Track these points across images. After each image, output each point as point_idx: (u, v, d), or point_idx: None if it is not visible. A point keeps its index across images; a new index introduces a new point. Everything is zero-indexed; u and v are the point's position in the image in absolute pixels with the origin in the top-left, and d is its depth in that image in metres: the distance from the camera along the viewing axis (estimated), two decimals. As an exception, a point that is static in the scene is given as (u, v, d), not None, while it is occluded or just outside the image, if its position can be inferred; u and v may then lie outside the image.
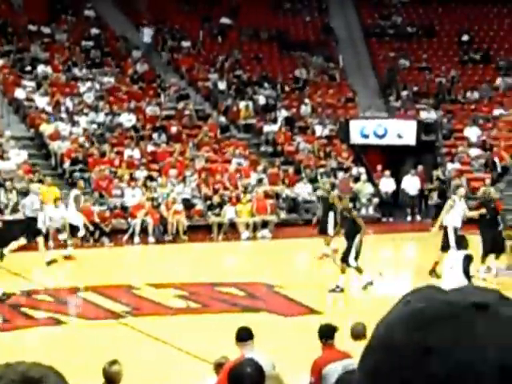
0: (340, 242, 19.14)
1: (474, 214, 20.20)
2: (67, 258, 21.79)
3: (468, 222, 20.53)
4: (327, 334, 8.95)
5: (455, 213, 19.21)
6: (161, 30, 37.35)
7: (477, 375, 1.05)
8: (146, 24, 36.78)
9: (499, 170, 30.78)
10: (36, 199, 21.97)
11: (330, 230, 21.63)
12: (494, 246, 19.24)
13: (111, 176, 27.34)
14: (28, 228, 21.47)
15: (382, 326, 1.16)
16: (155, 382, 11.51)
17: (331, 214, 21.61)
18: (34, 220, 21.49)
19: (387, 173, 30.22)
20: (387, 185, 30.00)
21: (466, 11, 40.61)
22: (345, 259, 17.84)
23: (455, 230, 18.97)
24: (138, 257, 24.28)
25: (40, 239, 21.16)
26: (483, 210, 19.91)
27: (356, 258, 17.78)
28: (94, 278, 18.75)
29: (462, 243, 15.33)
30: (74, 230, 23.02)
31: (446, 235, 19.03)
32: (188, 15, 38.71)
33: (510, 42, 39.06)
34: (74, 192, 24.11)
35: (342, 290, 17.79)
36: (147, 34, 36.07)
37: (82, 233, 23.40)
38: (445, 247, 18.55)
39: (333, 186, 27.31)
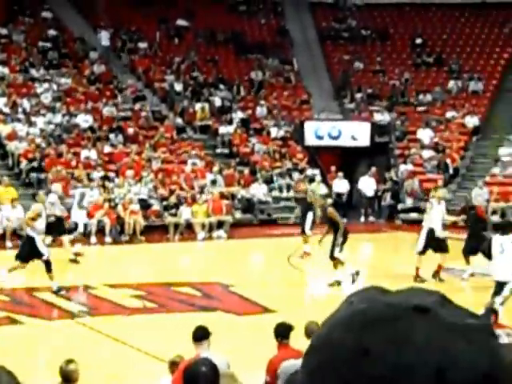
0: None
1: (454, 219, 20.06)
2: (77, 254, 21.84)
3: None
4: (283, 333, 8.99)
5: (433, 215, 19.04)
6: (118, 31, 37.23)
7: (412, 378, 1.07)
8: (104, 26, 36.65)
9: (451, 171, 31.10)
10: (55, 197, 22.03)
11: (307, 229, 21.89)
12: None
13: (68, 177, 27.19)
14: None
15: (325, 325, 1.16)
16: (112, 381, 11.49)
17: (310, 214, 21.90)
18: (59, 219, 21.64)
19: (340, 174, 30.40)
20: (340, 186, 30.16)
21: (420, 15, 40.94)
22: (332, 255, 18.03)
23: (431, 231, 18.87)
24: (95, 257, 24.15)
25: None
26: (463, 216, 19.97)
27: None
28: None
29: (506, 228, 15.33)
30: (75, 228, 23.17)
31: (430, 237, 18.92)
32: (145, 17, 38.59)
33: (462, 45, 39.44)
34: (79, 190, 24.60)
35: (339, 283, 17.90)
36: (105, 37, 35.94)
37: (80, 230, 23.64)
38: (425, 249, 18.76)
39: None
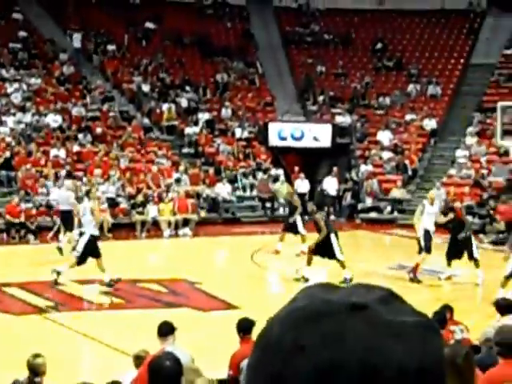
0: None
1: (443, 220, 19.49)
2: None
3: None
4: (245, 328, 9.05)
5: (426, 216, 18.85)
6: (87, 33, 37.08)
7: (343, 374, 1.07)
8: (74, 29, 36.46)
9: (409, 172, 31.33)
10: (72, 194, 23.10)
11: (301, 229, 21.98)
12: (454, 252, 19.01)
13: (37, 175, 27.08)
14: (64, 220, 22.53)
15: (267, 322, 1.17)
16: (78, 376, 11.49)
17: (299, 217, 22.06)
18: (69, 213, 22.27)
19: (302, 175, 30.51)
20: (302, 186, 30.23)
21: (380, 21, 41.15)
22: (334, 256, 17.99)
23: (427, 232, 18.76)
24: (64, 254, 24.03)
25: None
26: (451, 216, 19.52)
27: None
28: (20, 275, 18.58)
29: None
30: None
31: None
32: (113, 19, 38.48)
33: (421, 50, 39.70)
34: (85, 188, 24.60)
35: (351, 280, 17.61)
36: (76, 39, 35.75)
37: None
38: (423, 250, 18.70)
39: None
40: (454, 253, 18.78)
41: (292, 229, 22.34)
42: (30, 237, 24.41)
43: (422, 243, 18.75)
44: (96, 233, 18.08)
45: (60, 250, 21.29)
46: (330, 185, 30.29)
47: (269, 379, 1.11)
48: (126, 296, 17.07)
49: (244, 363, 8.56)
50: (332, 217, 30.09)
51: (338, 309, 1.12)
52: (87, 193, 20.03)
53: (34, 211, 25.29)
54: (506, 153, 30.06)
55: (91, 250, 17.68)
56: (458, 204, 19.80)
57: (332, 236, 18.10)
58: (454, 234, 18.93)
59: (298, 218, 22.31)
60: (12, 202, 24.92)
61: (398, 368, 1.09)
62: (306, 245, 22.09)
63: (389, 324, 1.12)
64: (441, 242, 19.97)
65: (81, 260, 17.62)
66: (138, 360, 8.45)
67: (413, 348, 1.11)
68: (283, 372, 1.10)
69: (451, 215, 19.41)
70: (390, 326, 1.11)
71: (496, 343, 7.04)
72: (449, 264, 18.89)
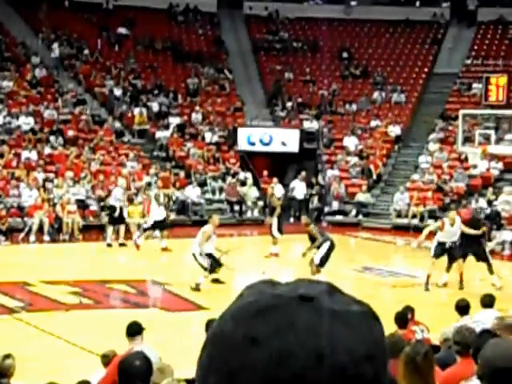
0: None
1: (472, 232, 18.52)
2: (164, 249, 23.00)
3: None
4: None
5: (444, 234, 18.23)
6: (59, 37, 36.87)
7: (295, 362, 1.10)
8: (50, 36, 36.26)
9: (374, 177, 31.47)
10: (121, 191, 25.08)
11: (275, 231, 21.97)
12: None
13: (9, 177, 26.87)
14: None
15: (217, 320, 1.18)
16: (47, 376, 11.39)
17: (275, 218, 22.04)
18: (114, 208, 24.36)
19: (275, 179, 30.42)
20: (277, 191, 29.97)
21: (347, 30, 41.39)
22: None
23: (441, 244, 18.28)
24: (34, 255, 23.90)
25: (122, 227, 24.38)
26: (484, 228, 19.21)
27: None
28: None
29: None
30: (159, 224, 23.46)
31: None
32: (86, 24, 38.34)
33: (386, 59, 39.93)
34: (154, 191, 25.17)
35: None
36: (55, 49, 35.53)
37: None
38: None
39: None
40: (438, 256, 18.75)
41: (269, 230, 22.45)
42: (1, 238, 24.20)
43: (432, 252, 18.40)
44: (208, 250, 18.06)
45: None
46: (298, 189, 30.31)
47: (224, 374, 1.12)
48: (95, 296, 16.97)
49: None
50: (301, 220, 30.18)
51: (287, 301, 1.14)
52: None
53: (4, 212, 25.06)
54: (467, 159, 30.30)
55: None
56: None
57: (325, 244, 18.01)
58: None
59: (274, 220, 22.25)
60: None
61: (348, 354, 1.12)
62: (276, 247, 22.10)
63: (336, 313, 1.14)
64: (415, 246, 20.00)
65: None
66: (105, 359, 8.41)
67: (361, 335, 1.15)
68: (238, 365, 1.11)
69: (484, 228, 19.22)
70: (337, 315, 1.14)
71: (454, 342, 7.14)
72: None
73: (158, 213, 23.56)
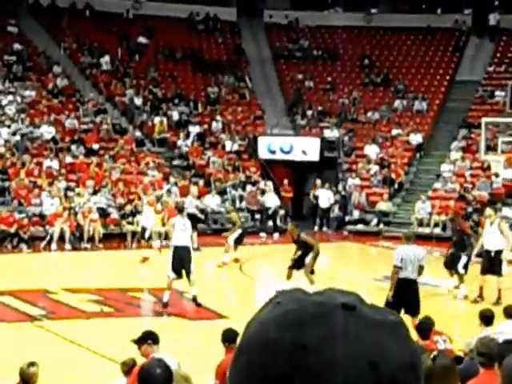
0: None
1: None
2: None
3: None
4: (230, 338, 8.99)
5: (485, 236, 18.09)
6: (81, 47, 37.10)
7: (348, 370, 1.10)
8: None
9: (396, 185, 31.37)
10: (193, 200, 25.74)
11: (231, 240, 21.92)
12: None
13: (30, 185, 27.00)
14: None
15: (254, 326, 1.16)
16: (68, 383, 11.43)
17: (238, 231, 22.00)
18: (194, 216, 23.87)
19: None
20: (272, 200, 29.92)
21: (368, 38, 41.34)
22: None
23: (487, 252, 17.92)
24: (55, 263, 24.01)
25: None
26: None
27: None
28: (12, 283, 18.50)
29: None
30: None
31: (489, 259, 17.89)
32: (107, 34, 38.54)
33: (407, 67, 39.85)
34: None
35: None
36: (106, 62, 35.96)
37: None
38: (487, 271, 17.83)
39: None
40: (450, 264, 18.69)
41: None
42: (23, 246, 24.34)
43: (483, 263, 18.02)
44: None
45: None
46: (323, 197, 30.22)
47: (273, 381, 1.11)
48: (116, 304, 17.01)
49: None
50: (324, 228, 30.15)
51: (331, 309, 1.14)
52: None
53: (26, 221, 25.19)
54: (490, 167, 30.16)
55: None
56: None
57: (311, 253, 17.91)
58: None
59: (237, 231, 22.33)
60: (6, 211, 24.82)
61: (397, 364, 1.13)
62: (227, 256, 21.99)
63: (380, 323, 1.16)
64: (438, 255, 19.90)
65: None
66: (125, 367, 8.42)
67: (404, 344, 1.17)
68: (289, 371, 1.11)
69: None
70: (381, 325, 1.16)
71: (478, 353, 7.04)
72: (451, 274, 18.82)
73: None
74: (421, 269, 13.75)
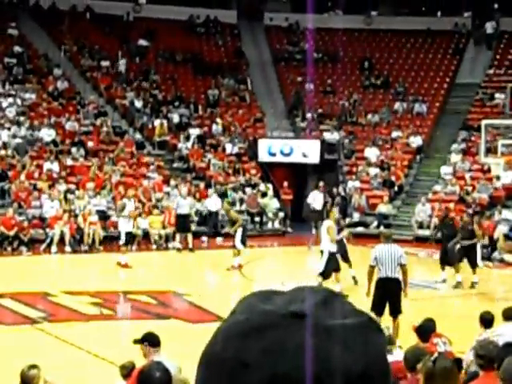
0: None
1: None
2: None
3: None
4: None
5: None
6: (81, 49, 37.12)
7: None
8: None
9: (396, 188, 31.37)
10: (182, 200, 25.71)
11: (238, 244, 21.75)
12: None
13: (31, 188, 27.00)
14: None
15: (212, 337, 1.15)
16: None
17: (239, 230, 21.79)
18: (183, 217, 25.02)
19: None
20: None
21: (368, 40, 41.36)
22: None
23: None
24: (55, 265, 24.02)
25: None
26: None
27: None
28: (12, 285, 18.51)
29: None
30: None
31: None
32: (107, 36, 38.57)
33: (407, 69, 39.86)
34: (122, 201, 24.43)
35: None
36: (122, 64, 36.07)
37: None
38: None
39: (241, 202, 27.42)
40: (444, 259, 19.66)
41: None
42: (23, 248, 24.34)
43: None
44: (333, 249, 17.87)
45: None
46: (317, 199, 30.21)
47: None
48: (116, 307, 17.01)
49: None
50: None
51: (278, 320, 1.09)
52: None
53: (26, 223, 25.20)
54: (490, 170, 30.16)
55: (335, 266, 17.86)
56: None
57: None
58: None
59: (238, 232, 21.92)
60: (7, 214, 24.81)
61: (343, 374, 1.07)
62: (237, 259, 21.76)
63: (329, 329, 1.10)
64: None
65: (326, 276, 17.66)
66: (124, 370, 8.41)
67: (356, 352, 1.09)
68: None
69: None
70: (331, 332, 1.10)
71: (478, 356, 7.05)
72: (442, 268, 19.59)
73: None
74: (403, 267, 13.86)
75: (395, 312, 13.49)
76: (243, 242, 21.95)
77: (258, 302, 1.14)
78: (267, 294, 1.16)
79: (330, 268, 17.74)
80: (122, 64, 36.25)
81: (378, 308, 13.41)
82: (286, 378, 1.06)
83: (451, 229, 20.55)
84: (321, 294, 1.14)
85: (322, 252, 17.93)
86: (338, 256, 18.30)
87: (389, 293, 13.60)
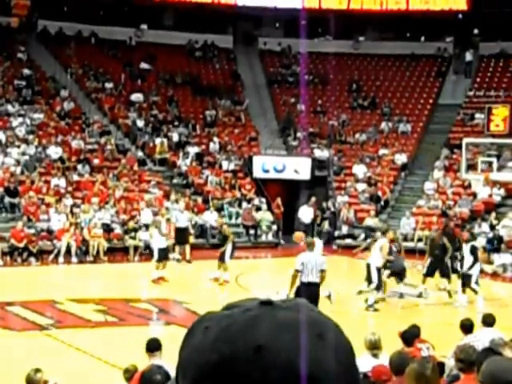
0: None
1: None
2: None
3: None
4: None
5: None
6: (87, 72, 37.22)
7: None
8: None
9: (382, 202, 31.46)
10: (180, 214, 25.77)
11: (228, 259, 21.48)
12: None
13: (39, 202, 27.02)
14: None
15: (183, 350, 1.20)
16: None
17: (229, 245, 21.59)
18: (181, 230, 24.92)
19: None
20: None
21: (356, 64, 41.52)
22: None
23: None
24: (62, 275, 24.01)
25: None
26: None
27: None
28: (22, 294, 18.52)
29: None
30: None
31: None
32: (111, 60, 38.70)
33: (393, 91, 40.00)
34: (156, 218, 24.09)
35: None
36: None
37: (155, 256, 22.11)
38: None
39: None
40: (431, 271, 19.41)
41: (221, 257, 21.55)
42: (32, 259, 24.36)
43: None
44: (380, 265, 18.14)
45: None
46: (306, 214, 30.27)
47: None
48: (119, 314, 17.02)
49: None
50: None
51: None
52: (383, 232, 19.94)
53: (34, 236, 25.21)
54: (470, 185, 30.26)
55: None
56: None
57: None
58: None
59: (228, 247, 21.58)
60: (17, 227, 24.83)
61: (324, 372, 1.09)
62: (227, 273, 21.48)
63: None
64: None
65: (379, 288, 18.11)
66: (127, 374, 8.43)
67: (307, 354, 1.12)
68: None
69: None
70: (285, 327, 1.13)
71: (458, 360, 7.09)
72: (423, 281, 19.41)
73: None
74: (322, 272, 14.37)
75: None
76: (230, 257, 21.73)
77: (220, 325, 1.19)
78: (229, 314, 1.22)
79: (381, 280, 17.99)
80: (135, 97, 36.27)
81: None
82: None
83: (450, 238, 20.36)
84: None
85: (367, 265, 18.13)
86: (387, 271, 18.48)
87: (312, 296, 13.72)
